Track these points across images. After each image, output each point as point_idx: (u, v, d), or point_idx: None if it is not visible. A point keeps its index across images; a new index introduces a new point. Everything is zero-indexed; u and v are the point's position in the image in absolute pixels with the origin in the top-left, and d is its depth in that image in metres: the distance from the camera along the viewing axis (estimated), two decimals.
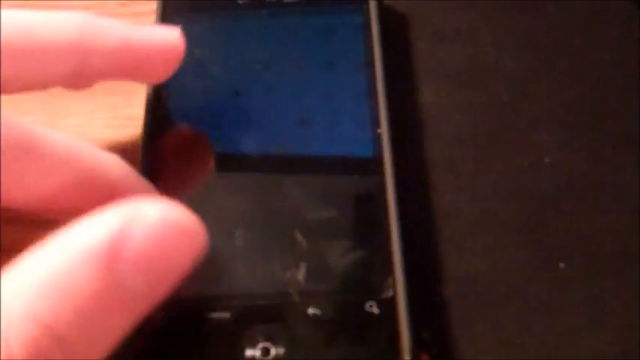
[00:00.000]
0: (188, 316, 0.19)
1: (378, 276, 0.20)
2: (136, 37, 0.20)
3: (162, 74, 0.21)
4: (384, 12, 0.25)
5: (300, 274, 0.20)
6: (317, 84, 0.24)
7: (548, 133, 0.24)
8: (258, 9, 0.26)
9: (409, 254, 0.20)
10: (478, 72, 0.26)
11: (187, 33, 0.25)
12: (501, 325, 0.21)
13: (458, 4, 0.27)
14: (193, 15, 0.26)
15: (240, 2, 0.26)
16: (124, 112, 0.25)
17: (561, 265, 0.22)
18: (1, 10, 0.19)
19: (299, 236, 0.21)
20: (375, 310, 0.19)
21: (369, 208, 0.21)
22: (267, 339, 0.19)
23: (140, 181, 0.20)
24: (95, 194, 0.18)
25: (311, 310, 0.19)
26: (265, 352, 0.19)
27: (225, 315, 0.19)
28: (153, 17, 0.25)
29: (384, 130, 0.22)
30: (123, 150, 0.21)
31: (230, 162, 0.23)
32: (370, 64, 0.24)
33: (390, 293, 0.19)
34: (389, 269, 0.20)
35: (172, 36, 0.21)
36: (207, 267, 0.20)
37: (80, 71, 0.19)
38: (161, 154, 0.22)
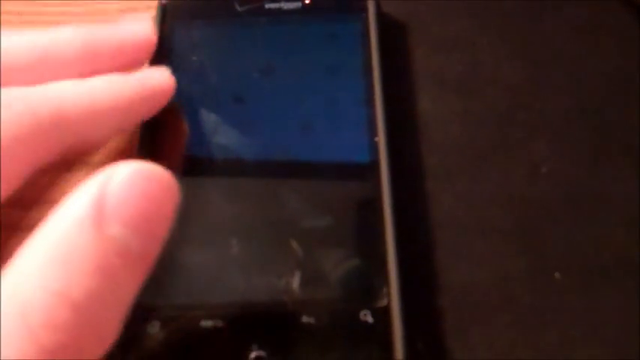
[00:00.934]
0: (183, 325, 0.19)
1: (373, 285, 0.20)
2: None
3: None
4: (382, 20, 0.25)
5: (295, 283, 0.20)
6: (315, 91, 0.24)
7: (546, 143, 0.24)
8: (257, 17, 0.26)
9: (404, 263, 0.20)
10: (476, 80, 0.26)
11: (187, 40, 0.25)
12: (496, 335, 0.21)
13: (456, 13, 0.27)
14: (192, 23, 0.26)
15: (240, 10, 0.26)
16: None
17: (557, 274, 0.22)
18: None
19: (294, 244, 0.21)
20: (370, 319, 0.19)
21: (365, 216, 0.21)
22: (261, 347, 0.19)
23: None
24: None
25: (305, 319, 0.19)
26: None
27: (220, 323, 0.19)
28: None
29: (380, 137, 0.22)
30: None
31: (227, 169, 0.23)
32: (368, 71, 0.24)
33: (385, 302, 0.19)
34: (384, 278, 0.20)
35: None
36: (203, 274, 0.20)
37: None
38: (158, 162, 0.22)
